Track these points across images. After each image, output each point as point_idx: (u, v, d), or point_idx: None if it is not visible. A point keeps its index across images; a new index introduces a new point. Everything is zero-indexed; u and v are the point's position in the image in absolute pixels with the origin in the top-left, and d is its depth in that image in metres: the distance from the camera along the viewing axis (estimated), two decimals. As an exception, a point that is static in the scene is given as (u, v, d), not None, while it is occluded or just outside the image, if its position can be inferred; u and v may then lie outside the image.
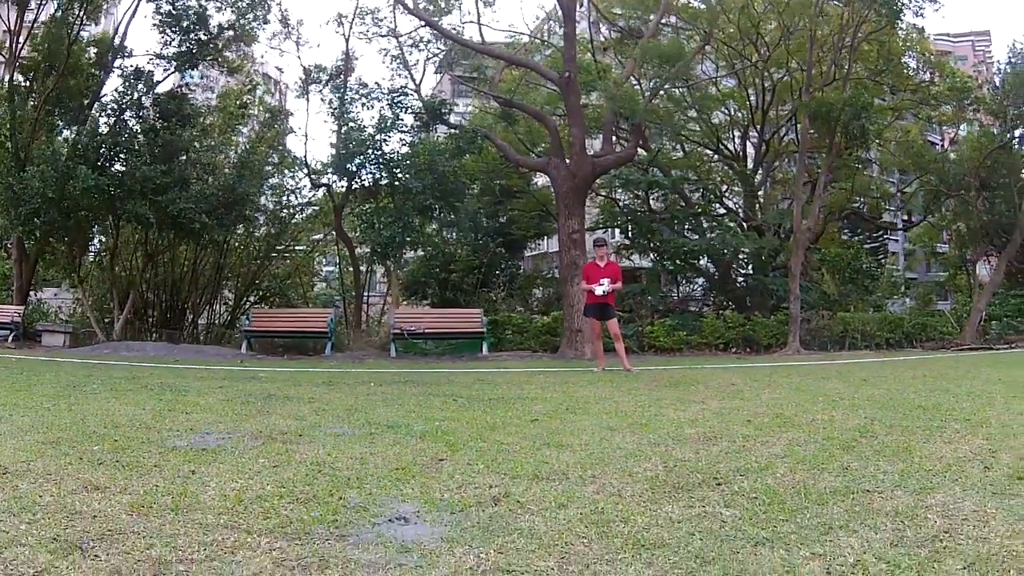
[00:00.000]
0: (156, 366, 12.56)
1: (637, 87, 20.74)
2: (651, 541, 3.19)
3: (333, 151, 19.14)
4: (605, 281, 11.27)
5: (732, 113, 24.97)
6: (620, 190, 23.41)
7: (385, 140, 18.51)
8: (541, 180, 24.96)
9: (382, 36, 20.87)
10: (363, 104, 19.25)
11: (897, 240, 43.17)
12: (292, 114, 23.49)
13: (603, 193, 23.99)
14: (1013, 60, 23.20)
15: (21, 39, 18.91)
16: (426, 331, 16.17)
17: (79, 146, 16.60)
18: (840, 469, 4.54)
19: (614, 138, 19.63)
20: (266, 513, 3.54)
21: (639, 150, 23.28)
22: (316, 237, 26.02)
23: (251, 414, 6.75)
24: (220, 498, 3.81)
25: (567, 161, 16.84)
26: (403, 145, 19.05)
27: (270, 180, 21.05)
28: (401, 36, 20.66)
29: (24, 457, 4.69)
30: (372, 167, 18.51)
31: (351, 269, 21.59)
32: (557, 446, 5.28)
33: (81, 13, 18.73)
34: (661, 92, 19.20)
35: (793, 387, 9.32)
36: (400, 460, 4.76)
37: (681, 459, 4.87)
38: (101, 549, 3.00)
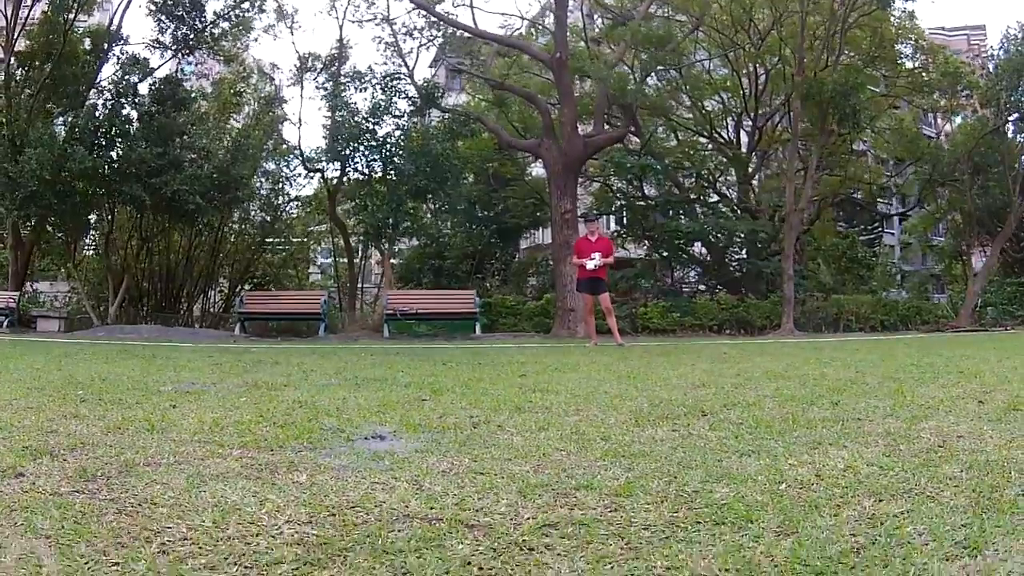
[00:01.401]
0: (148, 344, 12.54)
1: (630, 73, 20.71)
2: (632, 452, 3.17)
3: (327, 137, 19.11)
4: (596, 255, 11.26)
5: (725, 101, 24.97)
6: (614, 177, 23.40)
7: (378, 124, 18.50)
8: (536, 170, 24.95)
9: (376, 24, 20.84)
10: (356, 88, 19.21)
11: (893, 233, 43.23)
12: (287, 101, 23.46)
13: (598, 180, 23.99)
14: (1006, 46, 23.21)
15: (16, 31, 18.91)
16: (419, 312, 16.15)
17: (76, 129, 16.59)
18: (830, 404, 4.53)
19: (607, 126, 19.63)
20: (241, 433, 3.53)
21: (633, 137, 23.28)
22: (312, 229, 26.00)
23: (239, 372, 6.74)
24: (197, 423, 3.80)
25: (559, 143, 16.83)
26: (396, 130, 19.03)
27: (264, 165, 21.03)
28: (394, 21, 20.65)
29: (7, 396, 4.69)
30: (365, 151, 18.50)
31: (345, 260, 21.57)
32: (543, 391, 5.27)
33: (74, 4, 18.69)
34: (653, 76, 19.19)
35: (785, 354, 9.33)
36: (383, 401, 4.74)
37: (668, 399, 4.86)
38: (71, 455, 2.99)
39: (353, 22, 33.76)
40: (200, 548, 1.93)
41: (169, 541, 1.97)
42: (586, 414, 4.24)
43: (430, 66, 26.78)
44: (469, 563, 1.83)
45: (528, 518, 2.20)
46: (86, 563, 1.77)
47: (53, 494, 2.42)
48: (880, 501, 2.38)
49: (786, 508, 2.40)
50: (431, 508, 2.30)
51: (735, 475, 2.77)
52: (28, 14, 19.55)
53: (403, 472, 2.79)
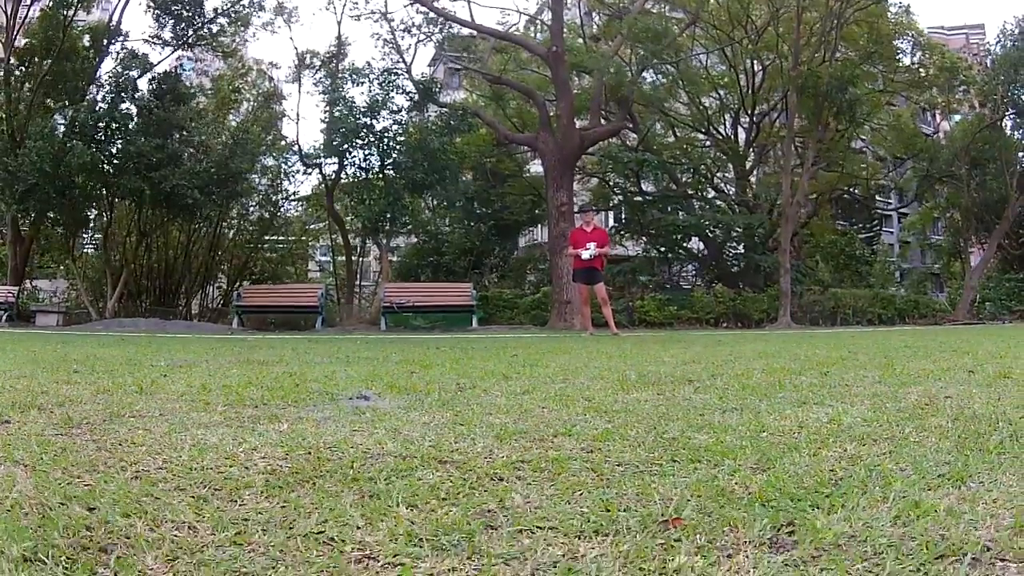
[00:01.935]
0: (146, 335, 12.58)
1: (627, 69, 20.73)
2: (614, 410, 3.19)
3: (325, 131, 19.15)
4: (591, 245, 11.27)
5: (723, 97, 25.00)
6: (612, 173, 23.44)
7: (376, 119, 18.54)
8: (534, 168, 24.97)
9: (374, 21, 20.88)
10: (354, 83, 19.25)
11: (892, 232, 43.23)
12: (286, 98, 23.50)
13: (596, 176, 24.03)
14: (1003, 41, 23.26)
15: (16, 29, 18.98)
16: (416, 304, 16.17)
17: (75, 123, 16.65)
18: (819, 375, 4.56)
19: (603, 120, 19.65)
20: (228, 394, 3.56)
21: (630, 133, 23.31)
22: (311, 227, 26.03)
23: (232, 352, 6.77)
24: (186, 387, 3.83)
25: (556, 136, 16.87)
26: (394, 124, 19.08)
27: (263, 160, 21.06)
28: (391, 16, 20.68)
29: (1, 368, 4.73)
30: (363, 146, 18.54)
31: (343, 257, 21.60)
32: (532, 365, 5.30)
33: (75, 1, 18.75)
34: (651, 71, 19.23)
35: (778, 339, 9.36)
36: (372, 373, 4.77)
37: (656, 371, 4.88)
38: (58, 409, 3.02)
39: (352, 17, 33.65)
40: (173, 475, 1.95)
41: (144, 470, 2.00)
42: (572, 382, 4.27)
43: (429, 65, 26.86)
44: (436, 489, 1.85)
45: (502, 457, 2.22)
46: (59, 484, 1.79)
47: (36, 436, 2.45)
48: (863, 445, 2.39)
49: (764, 449, 2.42)
50: (406, 448, 2.32)
51: (716, 426, 2.79)
52: (27, 13, 19.63)
53: (383, 423, 2.81)
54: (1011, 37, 22.89)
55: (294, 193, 23.64)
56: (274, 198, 22.47)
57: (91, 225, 20.47)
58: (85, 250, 22.61)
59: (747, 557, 1.37)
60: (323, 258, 30.21)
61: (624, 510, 1.68)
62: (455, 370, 4.88)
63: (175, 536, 1.44)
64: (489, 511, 1.68)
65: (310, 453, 2.22)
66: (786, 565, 1.36)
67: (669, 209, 22.29)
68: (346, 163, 19.24)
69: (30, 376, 4.25)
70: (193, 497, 1.75)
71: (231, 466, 2.05)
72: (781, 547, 1.48)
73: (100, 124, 17.18)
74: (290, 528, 1.52)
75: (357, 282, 22.18)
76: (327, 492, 1.80)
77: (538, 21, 22.97)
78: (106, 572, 1.25)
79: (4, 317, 17.20)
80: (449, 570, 1.30)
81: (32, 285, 21.64)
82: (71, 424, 2.69)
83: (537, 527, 1.56)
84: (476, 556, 1.39)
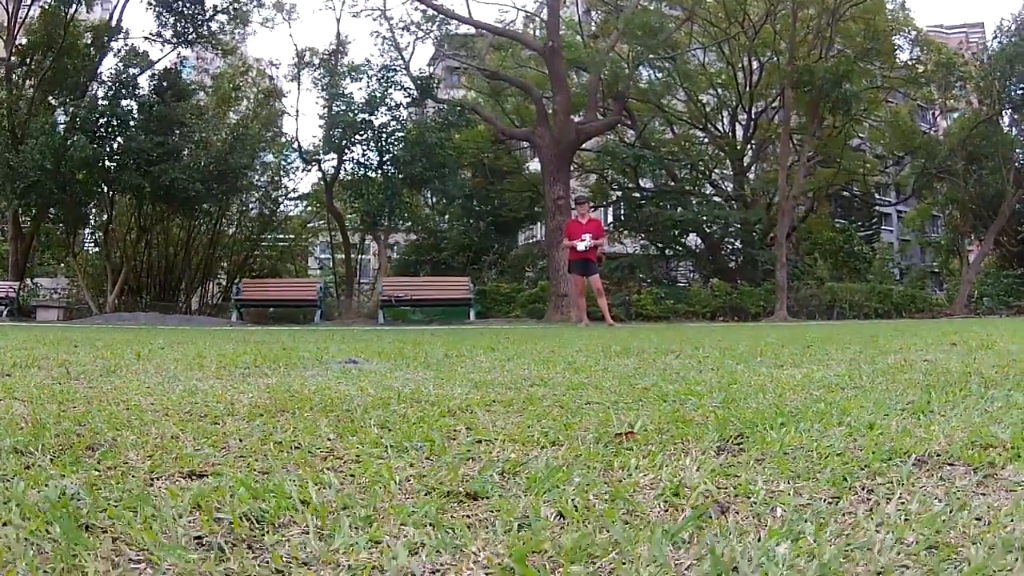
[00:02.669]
0: (145, 326, 12.69)
1: (624, 64, 20.85)
2: (594, 370, 3.28)
3: (324, 127, 19.26)
4: (587, 236, 11.33)
5: (720, 94, 25.09)
6: (611, 170, 23.52)
7: (375, 115, 18.66)
8: (533, 165, 25.06)
9: (373, 19, 20.98)
10: (352, 78, 19.38)
11: (891, 230, 43.27)
12: (285, 95, 23.61)
13: (595, 173, 24.12)
14: (1000, 38, 23.33)
15: (17, 28, 19.10)
16: (414, 298, 16.28)
17: (77, 119, 16.76)
18: (801, 347, 4.66)
19: (600, 116, 19.75)
20: (222, 359, 3.66)
21: (628, 129, 23.41)
22: (311, 225, 26.13)
23: (229, 340, 6.87)
24: (182, 355, 3.94)
25: (552, 131, 16.99)
26: (393, 120, 19.19)
27: (263, 157, 21.17)
28: (390, 14, 20.78)
29: (4, 345, 4.84)
30: (362, 141, 18.67)
31: (343, 255, 21.69)
32: (520, 343, 5.39)
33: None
34: (648, 67, 19.33)
35: (770, 329, 9.43)
36: (364, 348, 4.87)
37: (639, 346, 4.98)
38: (58, 368, 3.12)
39: (351, 13, 33.78)
40: (162, 407, 2.05)
41: (135, 405, 2.10)
42: (558, 352, 4.37)
43: (429, 63, 26.93)
44: (408, 417, 1.95)
45: (477, 398, 2.32)
46: (52, 415, 1.89)
47: (35, 384, 2.56)
48: (830, 391, 2.48)
49: (732, 392, 2.52)
50: (386, 392, 2.42)
51: (689, 379, 2.89)
52: (27, 13, 19.75)
53: (368, 378, 2.92)
54: (1008, 33, 22.96)
55: (293, 190, 23.78)
56: (274, 195, 22.59)
57: (91, 222, 20.59)
58: (85, 247, 22.72)
59: (692, 460, 1.46)
60: (323, 255, 30.34)
61: (584, 431, 1.78)
62: (445, 346, 4.98)
63: (158, 443, 1.54)
64: (455, 431, 1.78)
65: (294, 396, 2.32)
66: (728, 464, 1.45)
67: (668, 207, 22.37)
68: (345, 159, 19.38)
69: (31, 349, 4.36)
70: (179, 419, 1.85)
71: (218, 403, 2.15)
72: (727, 452, 1.58)
73: (101, 120, 17.30)
74: (265, 438, 1.62)
75: (356, 278, 22.29)
76: (305, 418, 1.91)
77: (536, 19, 23.10)
78: (90, 461, 1.35)
79: (5, 312, 17.29)
80: (407, 465, 1.39)
81: (33, 282, 21.74)
82: (69, 377, 2.80)
83: (497, 439, 1.66)
84: (434, 456, 1.49)
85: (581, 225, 11.61)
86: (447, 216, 24.39)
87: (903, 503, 1.16)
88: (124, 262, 19.52)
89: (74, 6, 18.59)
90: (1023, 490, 1.23)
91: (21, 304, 18.38)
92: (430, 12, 20.34)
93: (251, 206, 22.06)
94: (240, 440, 1.60)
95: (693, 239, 23.70)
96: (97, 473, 1.25)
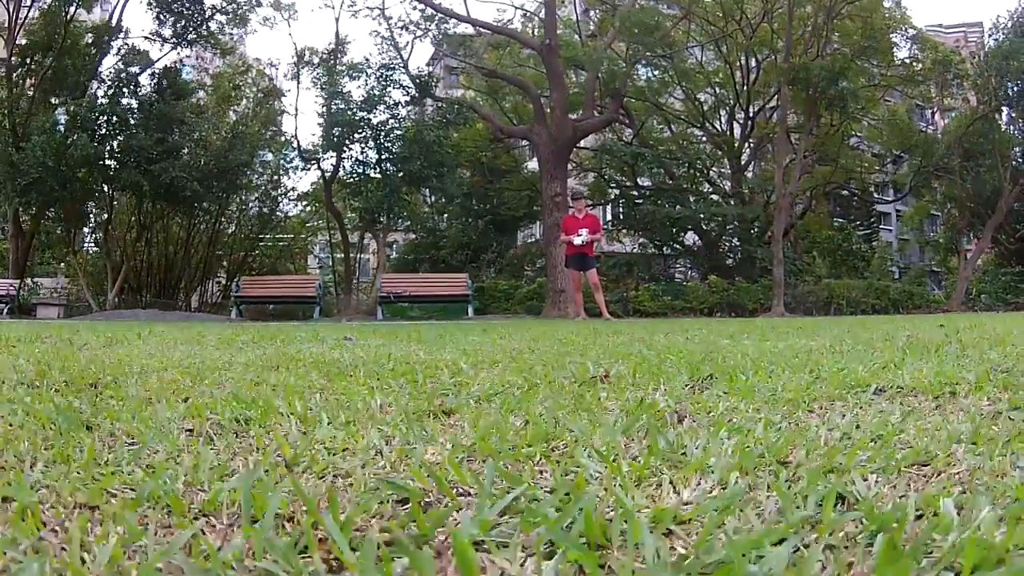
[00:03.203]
0: (146, 321, 12.78)
1: (622, 64, 20.94)
2: (578, 342, 3.36)
3: (323, 125, 19.34)
4: (584, 231, 11.39)
5: (718, 93, 25.15)
6: (608, 169, 23.59)
7: (373, 113, 18.75)
8: (532, 164, 25.13)
9: (372, 18, 21.09)
10: (351, 77, 19.45)
11: (891, 230, 43.31)
12: (285, 94, 23.68)
13: (594, 172, 24.18)
14: (996, 35, 23.40)
15: (18, 28, 19.20)
16: (412, 294, 16.33)
17: (78, 117, 16.84)
18: (792, 330, 4.73)
19: (596, 114, 19.83)
20: (222, 338, 3.74)
21: (626, 128, 23.48)
22: (310, 224, 26.19)
23: (229, 327, 6.96)
24: (182, 335, 4.01)
25: (550, 128, 17.07)
26: (391, 118, 19.27)
27: (262, 155, 21.24)
28: (388, 14, 20.88)
29: (7, 334, 4.92)
30: (360, 139, 18.75)
31: (341, 254, 21.74)
32: (513, 330, 5.47)
33: (76, -1, 18.98)
34: (645, 65, 19.40)
35: (766, 322, 9.49)
36: (359, 331, 4.94)
37: (630, 330, 5.06)
38: (61, 341, 3.20)
39: (350, 12, 33.85)
40: (163, 365, 2.14)
41: (128, 362, 2.18)
42: (550, 335, 4.45)
43: (428, 64, 27.01)
44: (396, 371, 2.03)
45: (464, 362, 2.40)
46: (57, 368, 1.97)
47: (39, 352, 2.64)
48: (809, 357, 2.56)
49: (707, 351, 2.60)
50: (377, 357, 2.50)
51: (672, 348, 2.97)
52: (27, 13, 19.85)
53: (362, 348, 3.00)
54: (1004, 30, 23.04)
55: (292, 189, 23.84)
56: (273, 194, 22.64)
57: (92, 221, 20.66)
58: (85, 246, 22.78)
59: (661, 395, 1.54)
60: (322, 255, 30.40)
61: (563, 378, 1.86)
62: (439, 333, 5.06)
63: (158, 382, 1.63)
64: (439, 376, 1.87)
65: (291, 359, 2.41)
66: (694, 395, 1.53)
67: (666, 204, 22.44)
68: (344, 157, 19.44)
69: (36, 332, 4.45)
70: (179, 371, 1.93)
71: (216, 362, 2.23)
72: (696, 388, 1.66)
73: (101, 119, 17.37)
74: (259, 381, 1.70)
75: (355, 277, 22.35)
76: (298, 371, 1.99)
77: (535, 19, 23.19)
78: (93, 393, 1.43)
79: (5, 310, 17.36)
80: (390, 396, 1.48)
81: (33, 282, 21.80)
82: (73, 346, 2.89)
83: (477, 383, 1.74)
84: (415, 391, 1.57)
85: (578, 220, 11.67)
86: (446, 215, 24.46)
87: (857, 416, 1.24)
88: (124, 260, 19.59)
89: (74, 7, 18.70)
90: (977, 409, 1.31)
91: (21, 302, 18.46)
92: (429, 11, 20.42)
93: (251, 205, 22.13)
94: (235, 381, 1.68)
95: (691, 237, 23.76)
96: (100, 399, 1.33)
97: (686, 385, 1.67)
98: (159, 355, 2.49)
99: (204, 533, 0.61)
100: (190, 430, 0.99)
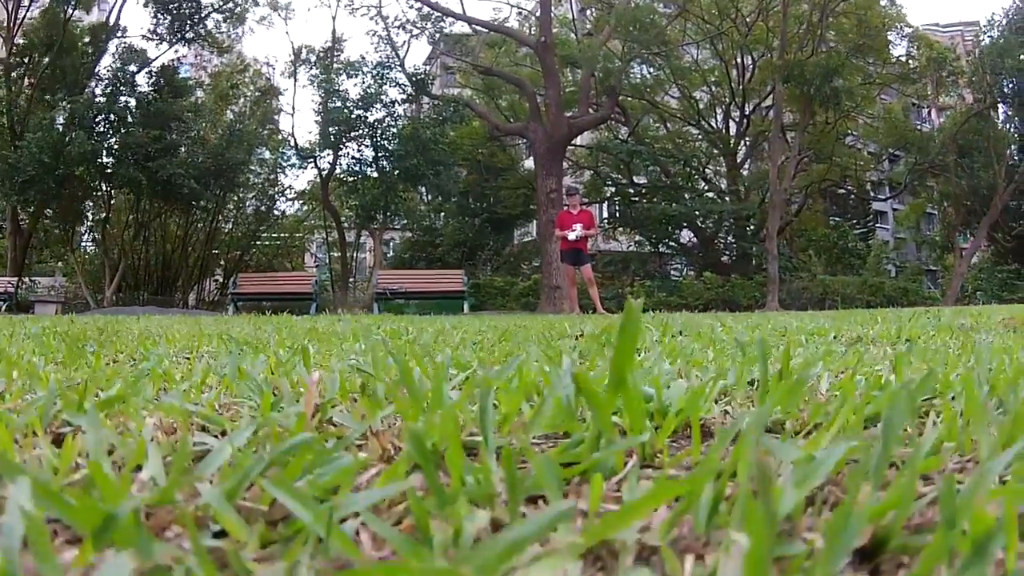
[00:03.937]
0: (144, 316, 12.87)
1: (617, 61, 21.03)
2: (567, 325, 3.44)
3: (320, 124, 19.44)
4: (577, 227, 11.49)
5: (713, 91, 25.27)
6: (604, 167, 23.71)
7: (370, 111, 18.85)
8: (528, 163, 25.22)
9: (369, 17, 21.17)
10: (348, 75, 19.56)
11: (887, 228, 43.42)
12: (282, 92, 23.78)
13: (590, 169, 24.30)
14: (990, 32, 23.54)
15: (17, 28, 19.27)
16: (408, 290, 16.40)
17: (75, 115, 16.91)
18: (788, 318, 4.81)
19: (592, 111, 19.93)
20: (219, 324, 3.82)
21: (621, 126, 23.59)
22: (307, 223, 26.27)
23: (224, 322, 7.04)
24: (181, 323, 4.09)
25: (545, 125, 17.18)
26: (388, 116, 19.38)
27: (259, 153, 21.32)
28: (385, 12, 20.98)
29: (8, 325, 4.99)
30: (357, 137, 18.84)
31: (339, 253, 21.83)
32: (507, 321, 5.56)
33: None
34: (641, 63, 19.51)
35: (757, 316, 9.60)
36: (354, 322, 5.03)
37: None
38: (61, 324, 3.28)
39: (348, 10, 33.86)
40: (160, 334, 2.22)
41: (128, 328, 2.26)
42: (545, 322, 4.54)
43: (425, 63, 27.10)
44: (380, 328, 2.12)
45: (461, 333, 2.49)
46: (54, 335, 2.05)
47: (40, 328, 2.72)
48: (798, 334, 2.64)
49: (686, 322, 2.69)
50: (368, 329, 2.59)
51: (654, 321, 3.06)
52: (26, 14, 19.92)
53: (356, 323, 3.09)
54: (999, 28, 23.19)
55: (289, 187, 23.93)
56: (270, 192, 22.73)
57: (89, 220, 20.72)
58: (83, 245, 22.85)
59: (640, 347, 1.63)
60: (319, 254, 30.49)
61: (540, 335, 1.95)
62: (435, 324, 5.15)
63: (145, 348, 1.71)
64: (423, 340, 1.95)
65: (287, 328, 2.49)
66: (662, 345, 1.62)
67: (661, 202, 22.54)
68: (341, 155, 19.54)
69: (34, 320, 4.53)
70: (179, 337, 2.02)
71: (212, 336, 2.32)
72: (666, 341, 1.75)
73: (99, 117, 17.44)
74: (255, 334, 1.79)
75: (352, 274, 22.44)
76: (296, 339, 2.08)
77: (532, 18, 23.30)
78: (99, 335, 1.52)
79: (3, 308, 17.41)
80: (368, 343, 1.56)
81: (31, 281, 21.86)
82: (72, 323, 2.97)
83: (459, 336, 1.83)
84: (398, 342, 1.66)
85: (572, 216, 11.76)
86: (442, 213, 24.56)
87: (825, 356, 1.33)
88: (122, 258, 19.65)
89: (73, 8, 18.76)
90: (935, 352, 1.40)
91: (19, 300, 18.51)
92: (425, 10, 20.52)
93: (248, 203, 22.21)
94: (225, 344, 1.77)
95: (687, 234, 23.87)
96: (104, 337, 1.42)
97: (656, 340, 1.76)
98: (156, 328, 2.58)
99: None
100: (187, 356, 1.08)
